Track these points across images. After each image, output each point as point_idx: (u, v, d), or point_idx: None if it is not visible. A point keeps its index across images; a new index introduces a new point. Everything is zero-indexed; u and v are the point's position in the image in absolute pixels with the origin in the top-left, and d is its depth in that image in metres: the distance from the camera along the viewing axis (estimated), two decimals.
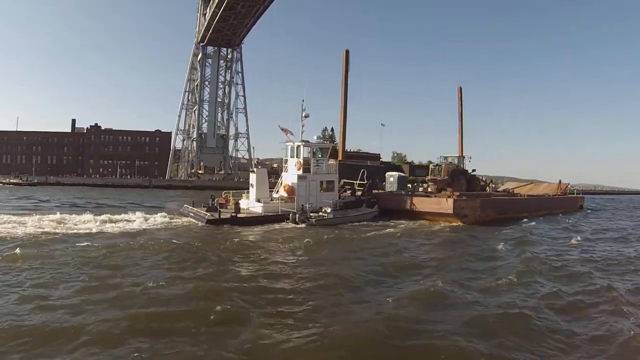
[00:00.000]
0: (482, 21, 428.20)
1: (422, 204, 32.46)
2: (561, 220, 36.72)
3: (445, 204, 30.85)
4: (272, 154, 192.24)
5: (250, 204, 29.99)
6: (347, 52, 42.05)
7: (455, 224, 30.22)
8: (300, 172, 30.60)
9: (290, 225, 26.83)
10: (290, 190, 30.24)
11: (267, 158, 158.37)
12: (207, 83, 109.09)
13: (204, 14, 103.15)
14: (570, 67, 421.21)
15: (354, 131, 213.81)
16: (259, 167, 32.29)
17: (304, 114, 32.40)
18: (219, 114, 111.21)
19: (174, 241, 18.82)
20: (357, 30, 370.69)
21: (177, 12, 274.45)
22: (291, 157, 32.14)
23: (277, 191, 31.82)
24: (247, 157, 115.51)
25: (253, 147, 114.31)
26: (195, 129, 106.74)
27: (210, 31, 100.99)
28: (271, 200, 29.92)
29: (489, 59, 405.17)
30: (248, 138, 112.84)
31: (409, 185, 43.75)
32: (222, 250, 18.01)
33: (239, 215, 27.27)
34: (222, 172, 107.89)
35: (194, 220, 27.17)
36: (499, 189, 48.35)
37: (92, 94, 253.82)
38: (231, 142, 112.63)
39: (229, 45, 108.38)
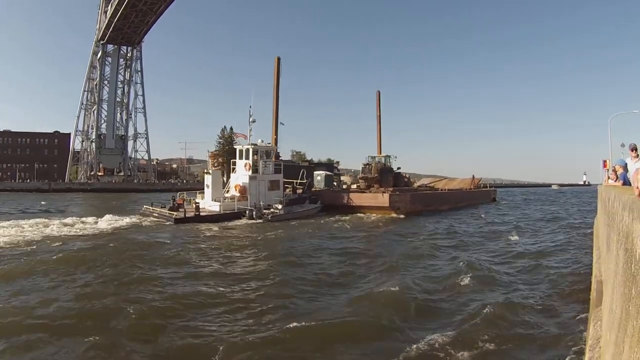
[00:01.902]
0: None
1: (359, 199, 37.47)
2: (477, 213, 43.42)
3: (381, 198, 36.07)
4: (171, 154, 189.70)
5: (207, 203, 32.75)
6: (279, 59, 45.86)
7: (389, 215, 35.47)
8: (250, 172, 34.18)
9: (250, 221, 30.18)
10: (243, 190, 33.55)
11: (167, 158, 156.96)
12: (106, 82, 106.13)
13: (105, 12, 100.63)
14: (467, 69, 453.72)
15: (254, 132, 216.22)
16: (212, 168, 35.02)
17: (250, 119, 36.04)
18: (118, 114, 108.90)
19: (163, 240, 21.24)
20: (269, 34, 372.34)
21: (74, 8, 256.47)
22: (239, 158, 35.46)
23: (228, 191, 34.96)
24: (147, 158, 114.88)
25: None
26: (94, 130, 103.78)
27: (111, 29, 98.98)
28: (224, 199, 33.08)
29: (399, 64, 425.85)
30: (147, 138, 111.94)
31: (335, 182, 48.89)
32: (211, 243, 20.97)
33: (201, 214, 30.33)
34: (122, 173, 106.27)
35: (160, 220, 29.70)
36: (415, 184, 54.97)
37: None
38: (130, 143, 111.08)
39: (129, 43, 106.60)
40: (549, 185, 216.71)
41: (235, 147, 36.43)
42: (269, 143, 38.97)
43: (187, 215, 29.30)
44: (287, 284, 12.62)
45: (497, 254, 18.81)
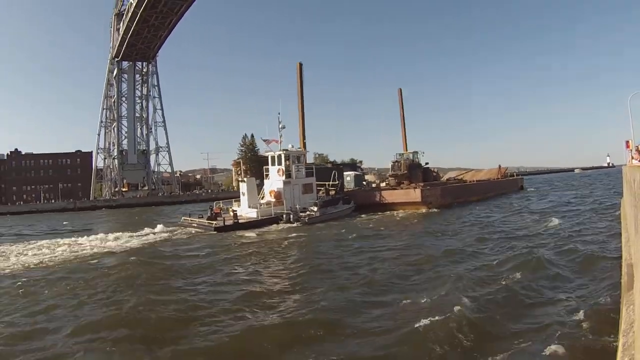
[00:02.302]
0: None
1: (391, 196, 38.42)
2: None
3: (413, 194, 37.01)
4: (194, 165, 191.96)
5: (244, 210, 33.92)
6: (301, 64, 47.24)
7: (422, 210, 36.37)
8: (284, 178, 35.31)
9: (287, 225, 31.30)
10: (278, 195, 34.70)
11: (190, 169, 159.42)
12: (124, 99, 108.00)
13: (118, 29, 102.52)
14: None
15: (271, 135, 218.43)
16: (247, 176, 36.19)
17: (280, 125, 37.14)
18: (138, 129, 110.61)
19: (211, 249, 22.69)
20: (283, 37, 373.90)
21: (90, 28, 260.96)
22: (272, 165, 36.64)
23: (263, 197, 36.11)
24: (170, 171, 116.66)
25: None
26: (116, 146, 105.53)
27: (125, 46, 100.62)
28: (260, 206, 34.17)
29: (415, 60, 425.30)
30: (169, 151, 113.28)
31: (364, 182, 49.88)
32: (261, 248, 21.99)
33: (239, 221, 31.48)
34: (146, 187, 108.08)
35: (199, 230, 30.88)
36: (442, 178, 55.76)
37: (9, 116, 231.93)
38: (152, 157, 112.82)
39: (144, 58, 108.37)
40: (572, 170, 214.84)
41: (267, 153, 37.54)
42: (299, 148, 39.99)
43: (226, 224, 30.32)
44: (334, 292, 12.40)
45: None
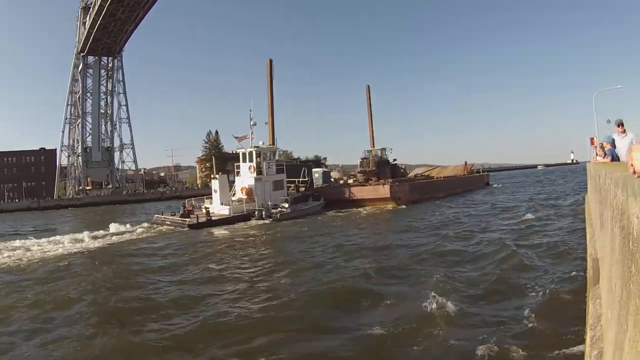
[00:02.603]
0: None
1: (361, 192, 39.43)
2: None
3: (382, 190, 38.08)
4: (157, 163, 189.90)
5: (216, 207, 34.31)
6: (271, 61, 47.63)
7: (390, 206, 37.46)
8: (255, 174, 35.86)
9: (259, 221, 31.90)
10: (249, 192, 35.21)
11: (154, 167, 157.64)
12: (89, 94, 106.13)
13: (84, 23, 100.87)
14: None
15: (239, 133, 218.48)
16: (220, 173, 36.45)
17: (251, 122, 37.64)
18: (103, 125, 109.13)
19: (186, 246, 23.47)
20: (254, 33, 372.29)
21: (55, 21, 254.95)
22: (243, 161, 37.11)
23: (234, 194, 36.55)
24: (134, 168, 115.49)
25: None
26: (80, 143, 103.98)
27: (91, 40, 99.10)
28: (232, 202, 34.66)
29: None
30: (133, 148, 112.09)
31: (331, 179, 50.82)
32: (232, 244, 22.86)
33: (213, 218, 31.94)
34: (110, 186, 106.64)
35: (172, 227, 31.19)
36: (409, 175, 57.08)
37: None
38: (116, 154, 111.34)
39: (109, 53, 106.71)
40: (535, 167, 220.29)
41: (238, 150, 37.97)
42: (270, 144, 40.54)
43: (199, 221, 30.70)
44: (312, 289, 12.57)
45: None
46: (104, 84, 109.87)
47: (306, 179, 41.12)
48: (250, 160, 36.37)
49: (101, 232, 29.17)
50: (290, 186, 39.81)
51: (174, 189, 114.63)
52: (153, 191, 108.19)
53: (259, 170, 36.19)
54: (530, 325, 8.54)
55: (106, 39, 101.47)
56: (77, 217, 58.11)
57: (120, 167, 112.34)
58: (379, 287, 12.21)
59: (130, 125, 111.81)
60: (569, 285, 10.95)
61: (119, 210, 64.14)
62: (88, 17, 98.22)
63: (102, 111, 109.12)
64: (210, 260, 18.01)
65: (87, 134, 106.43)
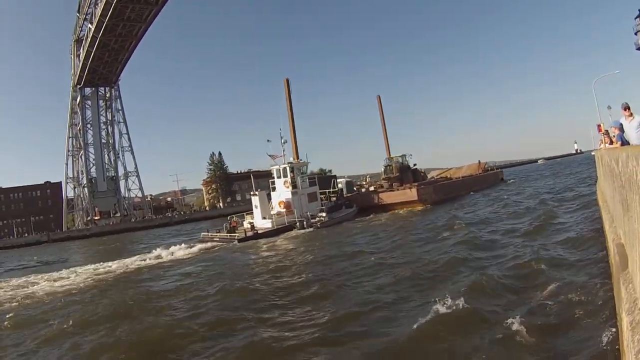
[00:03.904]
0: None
1: (389, 197, 43.15)
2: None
3: (410, 193, 41.80)
4: (163, 189, 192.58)
5: (258, 221, 37.61)
6: (287, 80, 51.58)
7: (419, 207, 41.10)
8: (291, 188, 39.36)
9: (301, 231, 35.27)
10: (288, 205, 38.61)
11: (160, 193, 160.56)
12: (89, 125, 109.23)
13: (78, 55, 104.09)
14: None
15: (242, 154, 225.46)
16: (259, 190, 39.73)
17: (282, 140, 41.33)
18: (106, 155, 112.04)
19: (250, 257, 26.84)
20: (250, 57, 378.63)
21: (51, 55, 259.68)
22: (277, 177, 40.58)
23: (272, 208, 39.94)
24: (140, 195, 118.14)
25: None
26: (85, 175, 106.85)
27: (86, 72, 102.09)
28: (271, 216, 38.00)
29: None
30: (138, 175, 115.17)
31: (354, 188, 54.55)
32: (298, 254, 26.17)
33: (259, 232, 35.29)
34: (118, 214, 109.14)
35: (222, 243, 34.30)
36: (428, 178, 60.95)
37: None
38: (122, 183, 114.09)
39: (106, 83, 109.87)
40: (536, 161, 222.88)
41: (271, 167, 41.43)
42: (301, 160, 43.98)
43: (247, 235, 33.97)
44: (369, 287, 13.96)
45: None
46: (104, 114, 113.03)
47: (336, 189, 44.67)
48: (285, 176, 39.80)
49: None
50: (321, 197, 43.29)
51: (182, 212, 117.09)
52: (161, 216, 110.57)
53: (294, 185, 39.63)
54: (559, 311, 9.06)
55: (102, 70, 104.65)
56: (89, 247, 59.08)
57: (126, 195, 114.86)
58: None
59: (133, 153, 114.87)
60: (591, 271, 11.40)
61: (131, 238, 65.45)
62: (82, 49, 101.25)
63: (103, 141, 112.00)
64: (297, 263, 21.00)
65: (91, 165, 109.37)
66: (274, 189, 40.92)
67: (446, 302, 10.15)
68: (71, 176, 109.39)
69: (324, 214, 37.92)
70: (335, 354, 8.77)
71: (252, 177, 44.68)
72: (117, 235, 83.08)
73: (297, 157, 49.60)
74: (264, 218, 37.31)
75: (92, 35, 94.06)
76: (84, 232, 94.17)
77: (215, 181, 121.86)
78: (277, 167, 40.65)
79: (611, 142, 13.56)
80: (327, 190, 44.17)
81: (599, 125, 26.98)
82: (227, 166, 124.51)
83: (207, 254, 28.82)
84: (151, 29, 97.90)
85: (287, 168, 39.92)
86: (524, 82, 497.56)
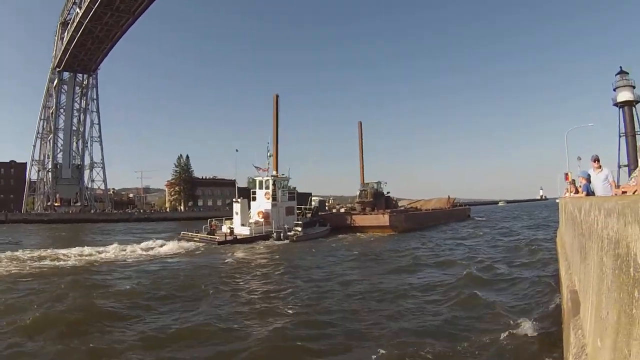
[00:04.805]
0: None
1: (363, 220, 46.08)
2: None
3: (382, 218, 44.83)
4: (127, 184, 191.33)
5: (237, 227, 39.89)
6: (277, 96, 54.22)
7: (389, 233, 44.08)
8: (271, 200, 41.82)
9: (277, 242, 37.50)
10: (266, 216, 40.89)
11: (123, 188, 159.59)
12: (62, 111, 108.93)
13: (62, 38, 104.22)
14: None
15: (210, 159, 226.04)
16: (241, 198, 41.82)
17: (268, 154, 43.93)
18: (74, 143, 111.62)
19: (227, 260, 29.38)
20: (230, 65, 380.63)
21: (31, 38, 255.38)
22: (259, 189, 42.93)
23: (250, 217, 42.23)
24: (103, 188, 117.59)
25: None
26: (51, 159, 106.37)
27: (67, 56, 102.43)
28: (250, 224, 40.34)
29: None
30: (103, 168, 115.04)
31: (326, 207, 57.39)
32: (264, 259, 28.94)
33: (238, 237, 37.64)
34: (79, 203, 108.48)
35: (202, 243, 36.37)
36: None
37: None
38: (86, 172, 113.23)
39: (85, 70, 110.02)
40: (496, 202, 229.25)
41: (255, 178, 43.80)
42: (284, 174, 46.37)
43: (227, 239, 36.42)
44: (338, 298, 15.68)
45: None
46: (78, 101, 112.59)
47: (311, 207, 47.38)
48: (267, 188, 42.20)
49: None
50: (297, 212, 45.84)
51: (141, 210, 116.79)
52: (121, 212, 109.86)
53: (274, 197, 42.07)
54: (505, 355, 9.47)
55: (82, 56, 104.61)
56: (44, 232, 59.37)
57: (89, 186, 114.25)
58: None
59: (101, 144, 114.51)
60: (543, 316, 11.92)
61: (89, 229, 65.75)
62: (66, 32, 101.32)
63: (74, 128, 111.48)
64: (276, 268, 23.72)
65: (59, 150, 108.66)
66: (254, 198, 43.11)
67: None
68: (37, 159, 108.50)
69: (299, 229, 40.36)
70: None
71: (236, 185, 46.69)
72: (75, 224, 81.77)
73: (277, 171, 52.16)
74: (243, 225, 39.54)
75: (79, 20, 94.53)
76: (42, 217, 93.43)
77: (179, 184, 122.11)
78: (261, 178, 43.02)
79: (576, 192, 14.15)
80: (302, 207, 46.75)
81: (566, 174, 29.14)
82: (192, 170, 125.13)
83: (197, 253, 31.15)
84: (140, 22, 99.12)
85: (270, 180, 42.34)
86: (493, 123, 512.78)
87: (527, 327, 10.74)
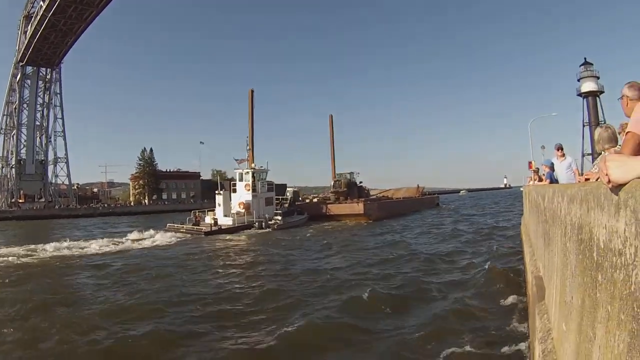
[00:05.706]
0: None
1: (338, 209, 48.91)
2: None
3: (357, 207, 47.69)
4: (92, 178, 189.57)
5: (220, 218, 42.00)
6: (252, 91, 56.11)
7: (364, 221, 46.95)
8: (251, 192, 44.15)
9: (259, 230, 39.94)
10: (247, 206, 43.20)
11: (87, 182, 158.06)
12: (25, 105, 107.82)
13: (25, 32, 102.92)
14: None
15: (173, 151, 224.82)
16: (223, 190, 43.72)
17: (247, 147, 46.25)
18: (38, 138, 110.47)
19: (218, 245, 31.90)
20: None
21: None
22: (239, 180, 45.21)
23: (232, 207, 44.42)
24: (67, 183, 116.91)
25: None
26: (14, 155, 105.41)
27: (31, 50, 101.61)
28: (232, 215, 42.55)
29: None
30: (67, 163, 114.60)
31: (300, 198, 59.99)
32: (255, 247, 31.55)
33: (222, 227, 39.89)
34: (43, 199, 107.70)
35: (189, 234, 38.40)
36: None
37: None
38: (50, 168, 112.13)
39: (48, 64, 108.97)
40: (458, 191, 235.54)
41: (235, 170, 46.10)
42: (262, 166, 48.56)
43: (212, 229, 38.68)
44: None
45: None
46: (41, 96, 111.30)
47: (287, 197, 50.01)
48: (247, 180, 44.56)
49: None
50: (276, 202, 48.35)
51: (106, 205, 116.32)
52: (86, 207, 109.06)
53: (254, 188, 44.41)
54: (470, 342, 9.41)
55: (46, 50, 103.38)
56: (12, 230, 57.57)
57: (53, 181, 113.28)
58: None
59: (65, 139, 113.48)
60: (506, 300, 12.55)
61: (55, 225, 65.48)
62: (30, 26, 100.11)
63: (37, 123, 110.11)
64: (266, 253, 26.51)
65: (22, 146, 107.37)
66: (234, 190, 45.29)
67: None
68: (0, 155, 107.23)
69: (279, 218, 42.82)
70: None
71: (218, 180, 49.49)
72: (41, 220, 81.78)
73: (253, 163, 54.48)
74: (226, 216, 41.74)
75: (42, 13, 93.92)
76: (7, 214, 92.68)
77: (143, 177, 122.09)
78: (240, 171, 45.31)
79: (540, 180, 14.12)
80: (279, 197, 49.26)
81: (530, 163, 30.38)
82: (156, 163, 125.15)
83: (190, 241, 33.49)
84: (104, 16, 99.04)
85: (250, 173, 44.65)
86: (460, 112, 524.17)
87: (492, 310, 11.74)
